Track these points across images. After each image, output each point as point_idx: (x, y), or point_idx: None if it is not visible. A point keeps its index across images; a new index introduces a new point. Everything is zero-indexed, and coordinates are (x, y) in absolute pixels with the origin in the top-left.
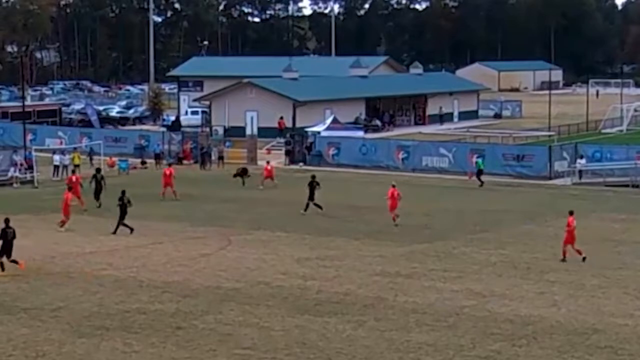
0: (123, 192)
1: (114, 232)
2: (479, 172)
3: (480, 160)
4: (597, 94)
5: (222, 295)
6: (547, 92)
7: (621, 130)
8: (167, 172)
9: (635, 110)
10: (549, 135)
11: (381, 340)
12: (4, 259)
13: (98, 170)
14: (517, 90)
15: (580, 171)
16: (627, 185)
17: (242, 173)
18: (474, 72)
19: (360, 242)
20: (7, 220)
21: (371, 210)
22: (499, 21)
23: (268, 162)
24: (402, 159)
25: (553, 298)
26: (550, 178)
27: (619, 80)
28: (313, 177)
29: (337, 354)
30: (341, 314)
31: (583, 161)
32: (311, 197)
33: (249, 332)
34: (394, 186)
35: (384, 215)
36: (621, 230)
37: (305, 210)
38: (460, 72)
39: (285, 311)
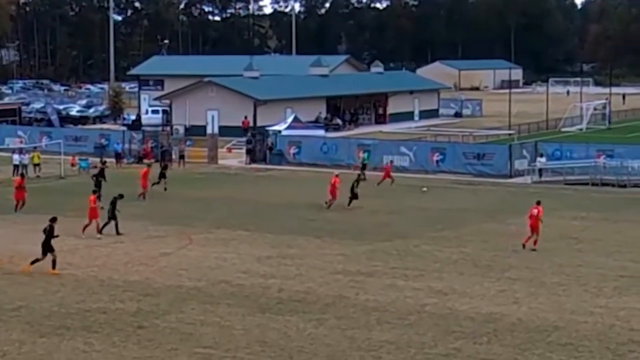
0: (120, 196)
1: (117, 233)
2: (363, 167)
3: (365, 154)
4: (568, 93)
5: (183, 294)
6: (507, 90)
7: (581, 129)
8: (143, 172)
9: (595, 109)
10: (509, 134)
11: (342, 339)
12: (46, 256)
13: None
14: (477, 89)
15: (540, 169)
16: (587, 184)
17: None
18: (435, 71)
19: (322, 241)
20: (53, 220)
21: (332, 209)
22: (460, 20)
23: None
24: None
25: (514, 295)
26: (510, 176)
27: (579, 79)
28: (359, 174)
29: (299, 353)
30: (302, 312)
31: (543, 159)
32: (354, 191)
33: (210, 331)
34: (337, 175)
35: (345, 213)
36: (581, 228)
37: (349, 204)
38: (420, 71)
39: (246, 310)
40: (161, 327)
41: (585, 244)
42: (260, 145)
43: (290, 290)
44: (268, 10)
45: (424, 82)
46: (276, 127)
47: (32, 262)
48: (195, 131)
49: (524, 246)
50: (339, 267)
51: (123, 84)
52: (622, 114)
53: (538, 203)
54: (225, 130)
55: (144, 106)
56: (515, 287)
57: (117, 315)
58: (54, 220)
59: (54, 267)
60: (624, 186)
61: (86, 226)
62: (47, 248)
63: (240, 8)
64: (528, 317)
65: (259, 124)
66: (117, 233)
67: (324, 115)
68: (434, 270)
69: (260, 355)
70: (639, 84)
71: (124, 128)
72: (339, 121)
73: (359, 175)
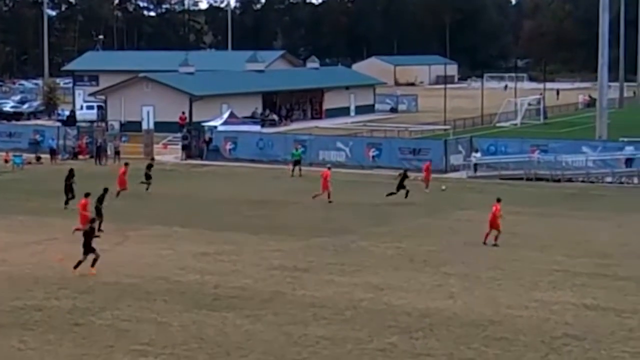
0: (105, 190)
1: (99, 230)
2: (296, 163)
3: (295, 150)
4: (506, 88)
5: (120, 291)
6: (442, 86)
7: (515, 124)
8: (122, 171)
9: (529, 104)
10: (445, 129)
11: (279, 335)
12: (89, 256)
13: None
14: (412, 84)
15: (475, 164)
16: (521, 178)
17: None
18: (370, 67)
19: (258, 237)
20: (92, 220)
21: (269, 205)
22: (395, 16)
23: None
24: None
25: (449, 290)
26: (446, 171)
27: (513, 75)
28: (405, 170)
29: (236, 349)
30: (239, 308)
31: (478, 154)
32: (400, 187)
33: (146, 327)
34: (329, 168)
35: (281, 209)
36: (515, 223)
37: (406, 196)
38: (356, 67)
39: (183, 306)
40: (97, 325)
41: (520, 238)
42: (196, 141)
43: (227, 286)
44: (203, 5)
45: (360, 77)
46: (212, 123)
47: (76, 266)
48: (131, 127)
49: (484, 243)
50: (275, 263)
51: (57, 80)
52: (556, 109)
53: (498, 200)
54: (160, 126)
55: (79, 102)
56: (451, 281)
57: (53, 312)
58: (93, 221)
59: (93, 264)
60: (558, 181)
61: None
62: (88, 249)
63: (175, 3)
64: (464, 311)
65: (194, 119)
66: (98, 229)
67: (260, 110)
68: (370, 266)
69: (197, 352)
70: (572, 80)
71: (59, 124)
72: (275, 117)
73: (405, 170)
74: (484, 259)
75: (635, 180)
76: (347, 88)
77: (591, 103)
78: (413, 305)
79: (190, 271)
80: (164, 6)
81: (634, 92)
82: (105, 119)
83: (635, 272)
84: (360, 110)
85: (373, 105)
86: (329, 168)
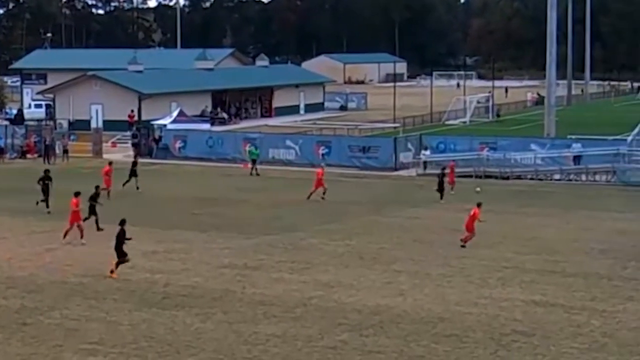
0: (97, 188)
1: (99, 230)
2: (254, 161)
3: (253, 148)
4: (458, 86)
5: (68, 290)
6: (392, 84)
7: (464, 122)
8: (106, 170)
9: (478, 102)
10: (394, 127)
11: (229, 333)
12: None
13: (46, 171)
14: (362, 82)
15: (425, 162)
16: (470, 176)
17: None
18: (320, 65)
19: (208, 235)
20: (122, 222)
21: (218, 203)
22: (345, 14)
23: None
24: (249, 151)
25: (399, 288)
26: (395, 169)
27: (462, 72)
28: (443, 168)
29: (186, 347)
30: (189, 307)
31: (427, 152)
32: (440, 187)
33: (95, 326)
34: (322, 167)
35: (230, 207)
36: (464, 220)
37: (441, 197)
38: (306, 65)
39: (132, 305)
40: (45, 324)
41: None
42: (145, 140)
43: (176, 284)
44: (152, 3)
45: (310, 75)
46: (161, 121)
47: (116, 267)
48: (80, 125)
49: (463, 246)
50: (225, 261)
51: (5, 78)
52: (505, 107)
53: (478, 205)
54: (109, 125)
55: (27, 100)
56: (401, 279)
57: (1, 312)
58: (123, 223)
59: (115, 267)
60: (507, 178)
61: (67, 231)
62: (120, 252)
63: (124, 1)
64: (413, 309)
65: (144, 118)
66: (97, 229)
67: (209, 109)
68: (320, 263)
69: (147, 351)
70: (521, 78)
71: (6, 122)
72: (224, 115)
73: (443, 169)
74: (434, 257)
75: (583, 177)
76: (296, 86)
77: (539, 101)
78: (363, 302)
79: (140, 270)
80: (112, 4)
81: (582, 90)
82: (53, 118)
83: (583, 268)
84: (309, 108)
85: (323, 104)
86: (323, 167)
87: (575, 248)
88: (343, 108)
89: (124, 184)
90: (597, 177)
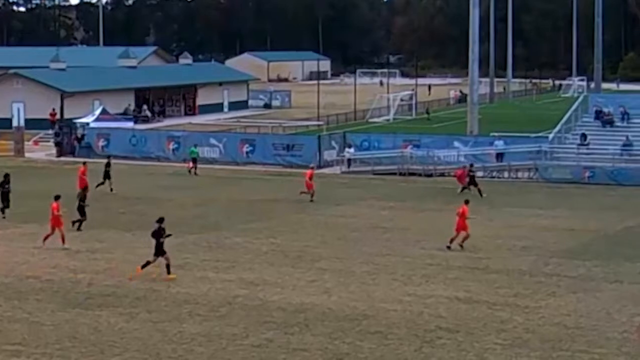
0: (84, 188)
1: (79, 229)
2: (194, 160)
3: (194, 148)
4: (381, 83)
5: None
6: (315, 82)
7: (388, 120)
8: (81, 171)
9: (402, 100)
10: (318, 125)
11: (154, 332)
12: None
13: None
14: (286, 80)
15: (349, 160)
16: (394, 173)
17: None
18: (244, 63)
19: (132, 234)
20: (160, 220)
21: (142, 202)
22: (268, 12)
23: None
24: (173, 150)
25: (324, 285)
26: (319, 167)
27: (386, 70)
28: (471, 165)
29: (110, 347)
30: (113, 306)
31: (351, 150)
32: (474, 184)
33: (18, 327)
34: (312, 168)
35: (154, 206)
36: (389, 218)
37: (481, 195)
38: (230, 63)
39: (55, 305)
40: None
41: (394, 233)
42: (67, 138)
43: (100, 284)
44: (74, 1)
45: (233, 73)
46: (84, 120)
47: (144, 266)
48: (1, 124)
49: (449, 247)
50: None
51: None
52: (427, 105)
53: (466, 202)
54: (31, 123)
55: None
56: (326, 277)
57: None
58: (161, 220)
59: (168, 272)
60: (430, 175)
61: (48, 236)
62: (159, 251)
63: None
64: (338, 306)
65: (66, 116)
66: (78, 229)
67: (132, 107)
68: (245, 262)
69: (70, 351)
70: (444, 75)
71: None
72: (148, 113)
73: (470, 167)
74: (358, 254)
75: (506, 174)
76: (220, 84)
77: (462, 98)
78: (288, 300)
79: (63, 270)
80: (34, 1)
81: (504, 88)
82: None
83: (506, 265)
84: (233, 106)
85: (246, 101)
86: (312, 168)
87: (498, 245)
88: (267, 106)
89: (97, 186)
90: (520, 174)
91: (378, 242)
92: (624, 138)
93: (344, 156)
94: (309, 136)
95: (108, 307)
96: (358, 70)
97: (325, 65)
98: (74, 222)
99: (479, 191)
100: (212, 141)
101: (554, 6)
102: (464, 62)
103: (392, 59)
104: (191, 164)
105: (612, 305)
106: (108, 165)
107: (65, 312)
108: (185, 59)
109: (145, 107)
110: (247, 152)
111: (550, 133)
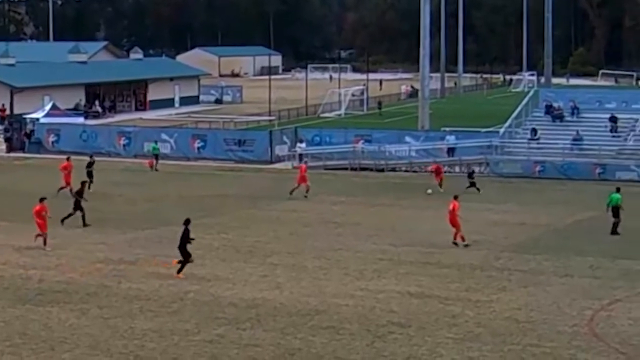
0: (83, 184)
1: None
2: (156, 157)
3: (154, 144)
4: (331, 79)
5: None
6: (267, 77)
7: (339, 115)
8: (63, 166)
9: (353, 95)
10: (270, 120)
11: (105, 328)
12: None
13: None
14: (237, 75)
15: (300, 155)
16: (346, 168)
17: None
18: (195, 58)
19: (83, 230)
20: (187, 222)
21: (93, 198)
22: (219, 6)
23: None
24: (124, 145)
25: (276, 281)
26: (271, 162)
27: (337, 65)
28: (473, 171)
29: (61, 343)
30: (64, 302)
31: (303, 145)
32: (473, 184)
33: None
34: (305, 163)
35: (105, 202)
36: (341, 212)
37: (478, 190)
38: (180, 58)
39: (5, 302)
40: None
41: (345, 228)
42: (17, 134)
43: (51, 280)
44: None
45: (184, 68)
46: (34, 115)
47: (181, 267)
48: None
49: (455, 244)
50: (100, 256)
51: None
52: (378, 100)
53: (455, 197)
54: None
55: None
56: (277, 272)
57: None
58: (187, 222)
59: (179, 271)
60: (382, 170)
61: (39, 235)
62: (185, 252)
63: None
64: (290, 301)
65: (16, 112)
66: (84, 224)
67: (83, 102)
68: (197, 257)
69: (21, 348)
70: (395, 70)
71: None
72: (98, 108)
73: (472, 173)
74: (310, 249)
75: (457, 169)
76: (171, 79)
77: (413, 93)
78: (240, 296)
79: (13, 266)
80: None
81: (455, 83)
82: None
83: (457, 259)
84: (184, 101)
85: (198, 97)
86: (306, 162)
87: (449, 240)
88: (218, 101)
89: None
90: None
91: (330, 237)
92: (574, 133)
93: (295, 151)
94: (260, 131)
95: (59, 304)
96: (309, 66)
97: (277, 60)
98: (62, 220)
99: (477, 189)
100: (164, 136)
101: (505, 2)
102: (415, 58)
103: (343, 54)
104: (154, 161)
105: (562, 299)
106: (90, 164)
107: (15, 309)
108: (136, 54)
109: (96, 102)
110: (198, 148)
111: (501, 128)
